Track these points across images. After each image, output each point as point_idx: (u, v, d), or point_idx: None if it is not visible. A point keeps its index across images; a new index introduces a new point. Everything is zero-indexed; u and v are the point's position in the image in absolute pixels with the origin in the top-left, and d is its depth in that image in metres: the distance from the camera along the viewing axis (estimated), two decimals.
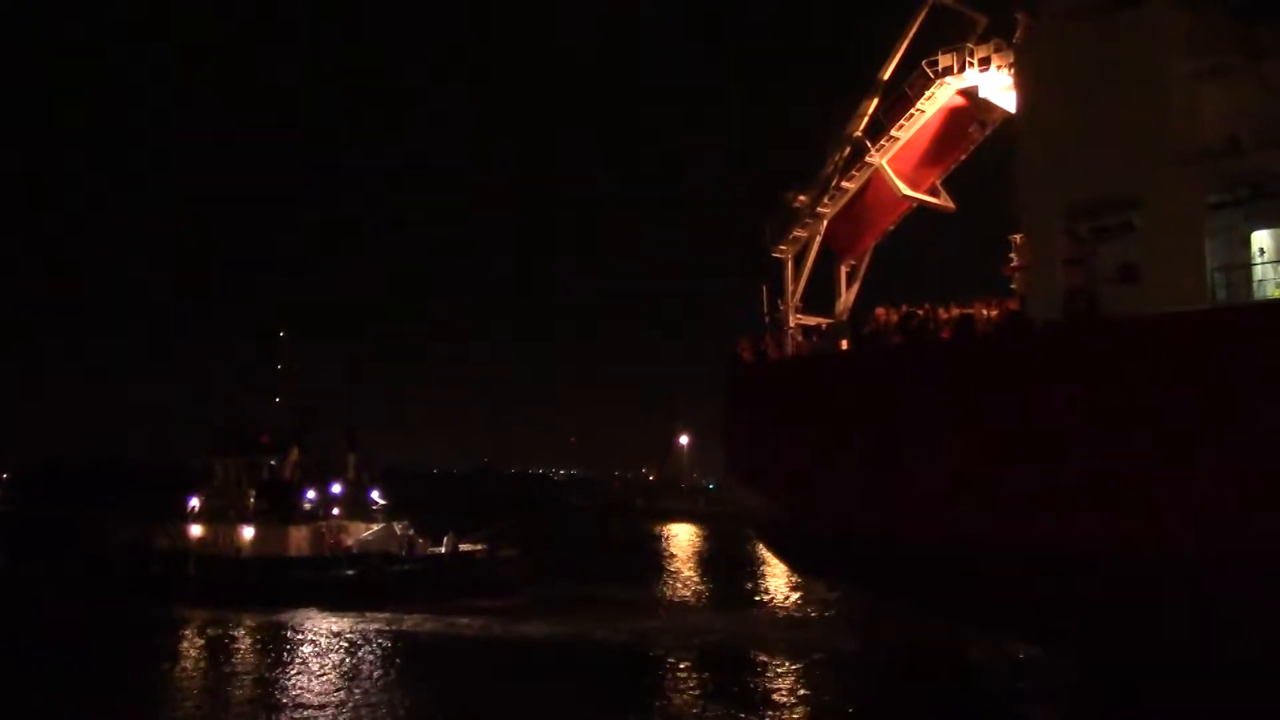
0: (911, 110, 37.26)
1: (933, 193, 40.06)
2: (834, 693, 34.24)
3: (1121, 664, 29.41)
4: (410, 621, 45.98)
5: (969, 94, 36.84)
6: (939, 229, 42.79)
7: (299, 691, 33.64)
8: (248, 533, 55.44)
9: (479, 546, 57.28)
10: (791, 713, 30.60)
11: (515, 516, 76.72)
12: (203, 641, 43.55)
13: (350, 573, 52.67)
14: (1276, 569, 24.09)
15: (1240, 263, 27.61)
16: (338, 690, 33.67)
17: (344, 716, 30.50)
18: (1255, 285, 27.26)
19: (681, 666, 36.96)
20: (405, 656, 39.31)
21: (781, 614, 51.41)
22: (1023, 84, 32.23)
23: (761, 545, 56.95)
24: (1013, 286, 33.97)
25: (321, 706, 31.52)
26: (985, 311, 32.85)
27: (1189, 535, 26.00)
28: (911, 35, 37.50)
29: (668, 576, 70.34)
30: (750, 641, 41.75)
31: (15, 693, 34.24)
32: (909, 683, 33.87)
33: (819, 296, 40.98)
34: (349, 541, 55.68)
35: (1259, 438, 25.00)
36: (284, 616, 47.52)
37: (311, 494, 57.53)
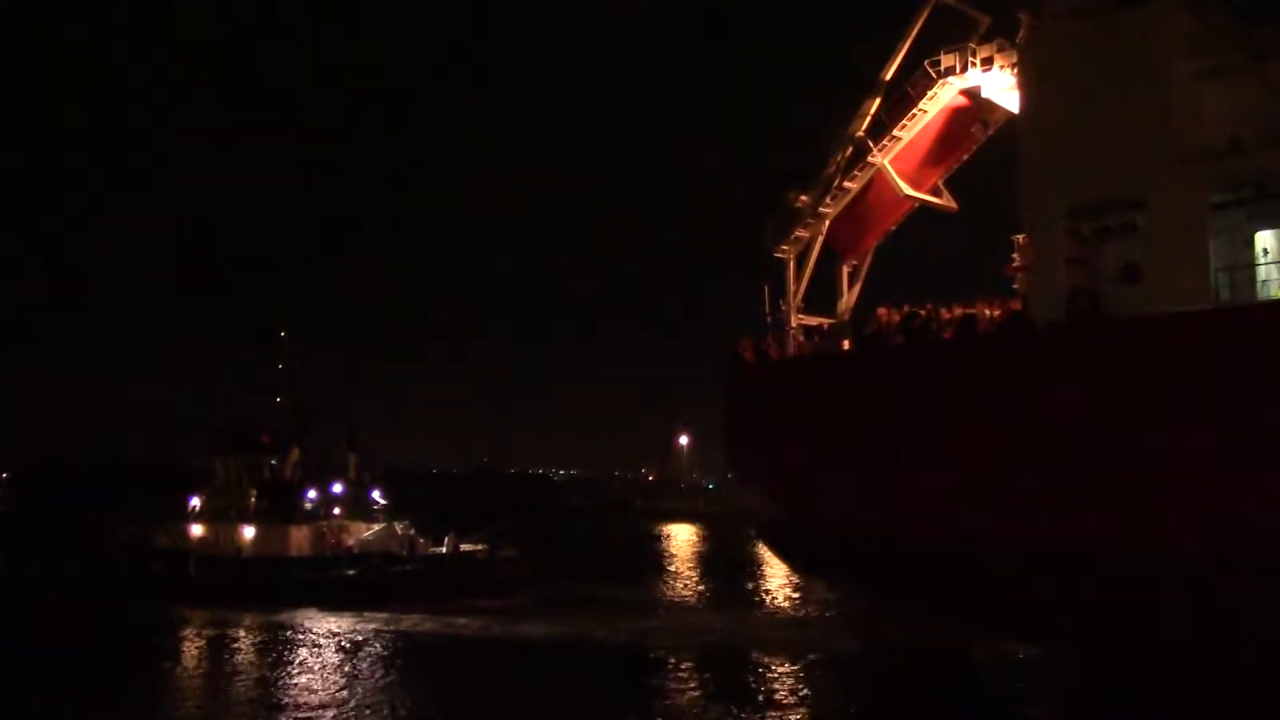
0: (914, 110, 37.22)
1: (935, 193, 40.01)
2: (834, 693, 34.27)
3: (1122, 664, 29.39)
4: (411, 621, 45.95)
5: (971, 94, 36.78)
6: (941, 229, 42.82)
7: (299, 691, 33.60)
8: (248, 532, 55.42)
9: (480, 546, 57.23)
10: (791, 713, 30.54)
11: (515, 517, 76.73)
12: (203, 641, 43.53)
13: (351, 573, 52.67)
14: (1278, 569, 24.07)
15: (1244, 263, 27.57)
16: (338, 690, 33.63)
17: (345, 716, 30.45)
18: (1259, 285, 27.23)
19: (682, 667, 36.91)
20: (406, 656, 39.27)
21: (781, 614, 51.39)
22: (1025, 84, 32.19)
23: (762, 545, 56.93)
24: (1015, 287, 33.92)
25: (322, 706, 31.48)
26: (987, 312, 32.82)
27: (1191, 535, 25.96)
28: (914, 35, 37.44)
29: (668, 576, 70.29)
30: (750, 641, 41.72)
31: (15, 693, 34.20)
32: (909, 683, 33.83)
33: (821, 296, 41.01)
34: (350, 541, 55.67)
35: (1262, 438, 24.95)
36: (285, 616, 47.50)
37: (312, 494, 57.52)
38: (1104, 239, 29.59)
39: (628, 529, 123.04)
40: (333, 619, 46.88)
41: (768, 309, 40.56)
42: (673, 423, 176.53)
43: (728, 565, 77.21)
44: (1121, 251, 28.90)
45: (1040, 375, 29.61)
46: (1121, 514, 27.25)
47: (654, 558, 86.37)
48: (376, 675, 36.08)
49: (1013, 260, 34.05)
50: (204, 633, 45.04)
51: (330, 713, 30.80)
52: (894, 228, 40.61)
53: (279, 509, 56.22)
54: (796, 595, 57.36)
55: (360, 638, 42.72)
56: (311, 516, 56.62)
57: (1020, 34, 33.19)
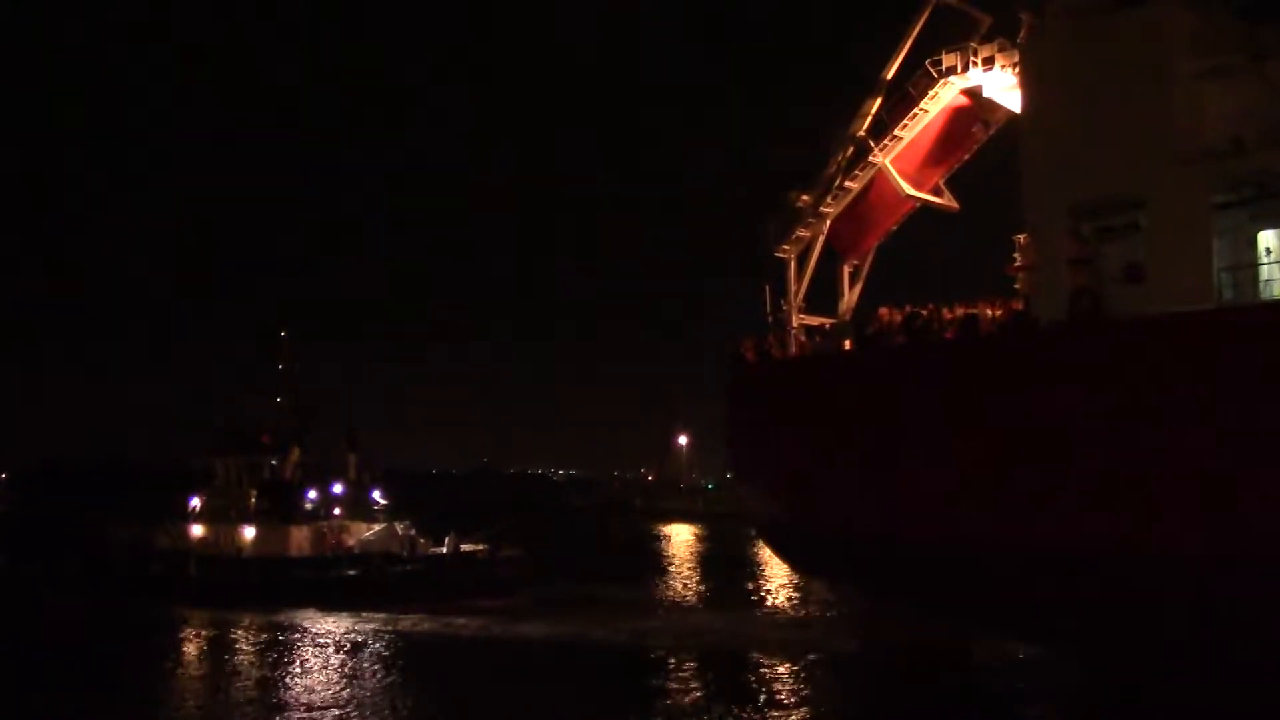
0: (915, 110, 37.19)
1: (936, 192, 39.97)
2: (834, 693, 34.24)
3: (1122, 664, 29.37)
4: (411, 621, 45.91)
5: (973, 93, 36.75)
6: (942, 229, 42.79)
7: (300, 692, 33.56)
8: (249, 533, 55.38)
9: (480, 547, 57.19)
10: (792, 713, 30.49)
11: (515, 517, 76.70)
12: (203, 641, 43.51)
13: (351, 573, 52.64)
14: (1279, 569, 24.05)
15: (1246, 263, 27.53)
16: (339, 690, 33.58)
17: (345, 717, 30.40)
18: (1261, 285, 27.17)
19: (682, 667, 36.88)
20: (406, 657, 39.22)
21: (782, 614, 51.34)
22: (1027, 83, 32.15)
23: (762, 545, 56.89)
24: (1016, 287, 33.88)
25: (323, 707, 31.43)
26: (989, 312, 32.77)
27: (1193, 536, 25.93)
28: (915, 35, 37.43)
29: (667, 577, 70.26)
30: (750, 642, 41.64)
31: (15, 693, 34.15)
32: (909, 683, 33.78)
33: (822, 296, 40.98)
34: (350, 541, 55.64)
35: (1264, 438, 24.91)
36: (285, 617, 47.47)
37: (313, 494, 57.51)
38: (1106, 239, 29.54)
39: (627, 529, 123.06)
40: (333, 619, 46.84)
41: (769, 309, 40.54)
42: (672, 422, 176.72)
43: (727, 565, 77.19)
44: (1124, 251, 28.85)
45: (1042, 375, 29.57)
46: (1123, 514, 27.22)
47: (654, 558, 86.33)
48: (377, 675, 36.04)
49: (1014, 260, 34.01)
50: (204, 633, 45.00)
51: (331, 713, 30.74)
52: (895, 227, 40.57)
53: (279, 509, 56.18)
54: (796, 595, 57.33)
55: (360, 638, 42.68)
56: (312, 517, 56.60)
57: (1021, 34, 33.14)
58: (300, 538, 55.17)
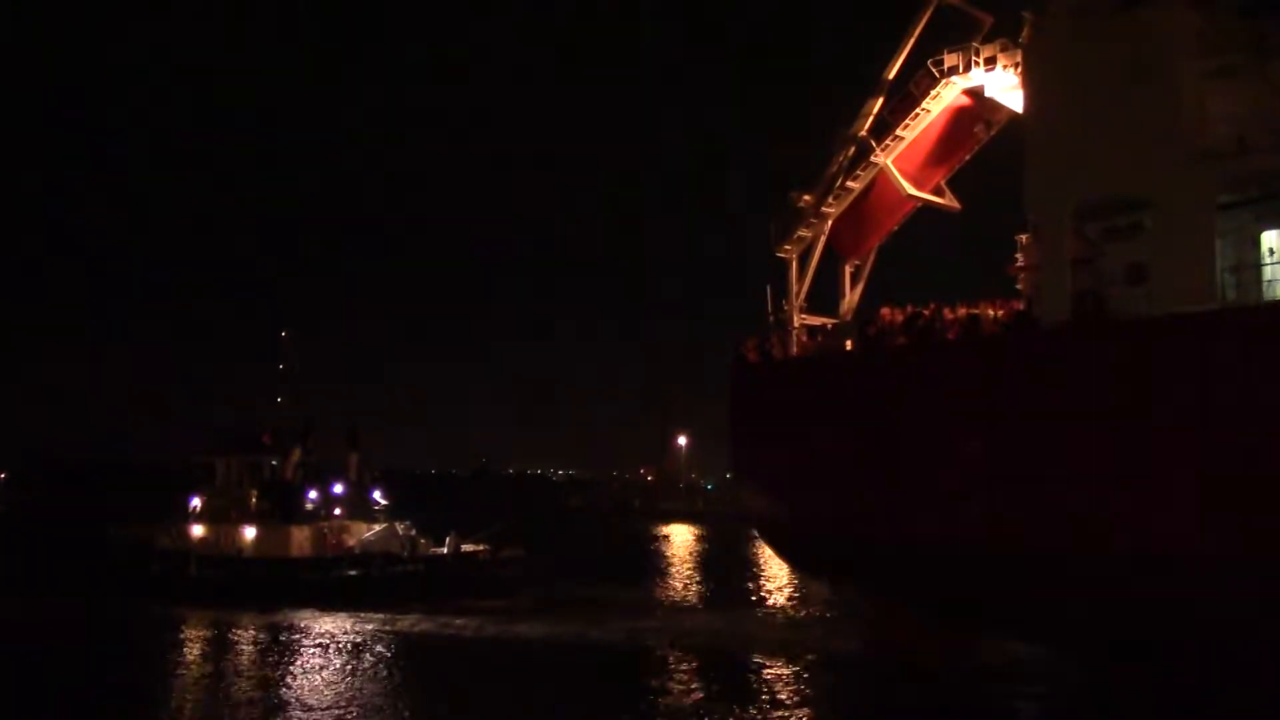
0: (917, 110, 37.19)
1: (938, 192, 39.97)
2: (834, 693, 34.22)
3: (1123, 665, 29.34)
4: (411, 622, 45.86)
5: (975, 93, 36.75)
6: (944, 229, 42.76)
7: (300, 692, 33.48)
8: (249, 533, 55.32)
9: (481, 547, 57.16)
10: (792, 713, 30.46)
11: (515, 517, 76.62)
12: (203, 641, 43.41)
13: (352, 573, 52.57)
14: None
15: (1250, 263, 27.50)
16: (339, 691, 33.51)
17: (345, 717, 30.34)
18: (1265, 285, 27.15)
19: (681, 667, 36.85)
20: (407, 657, 39.17)
21: (782, 614, 51.32)
22: (1029, 83, 32.13)
23: (763, 545, 56.85)
24: (1018, 287, 33.86)
25: (322, 707, 31.36)
26: (991, 312, 32.73)
27: (1197, 536, 25.91)
28: (917, 34, 37.42)
29: (667, 577, 70.23)
30: (751, 642, 41.60)
31: (16, 693, 34.08)
32: (910, 683, 33.71)
33: (823, 296, 40.98)
34: (351, 542, 55.58)
35: (1269, 438, 24.88)
36: (285, 617, 47.40)
37: (313, 494, 57.45)
38: (1109, 239, 29.50)
39: (626, 529, 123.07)
40: (333, 619, 46.78)
41: (771, 309, 40.52)
42: (670, 422, 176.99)
43: (727, 566, 77.19)
44: (1127, 252, 28.82)
45: (1045, 376, 29.54)
46: (1126, 514, 27.19)
47: (653, 558, 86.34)
48: (377, 676, 35.98)
49: (1015, 260, 33.99)
50: (204, 633, 44.90)
51: (331, 713, 30.67)
52: (896, 227, 40.57)
53: (280, 509, 56.12)
54: (796, 595, 57.33)
55: (361, 638, 42.61)
56: (312, 517, 56.55)
57: (1024, 33, 33.12)
58: (301, 538, 55.12)
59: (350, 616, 47.28)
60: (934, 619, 35.04)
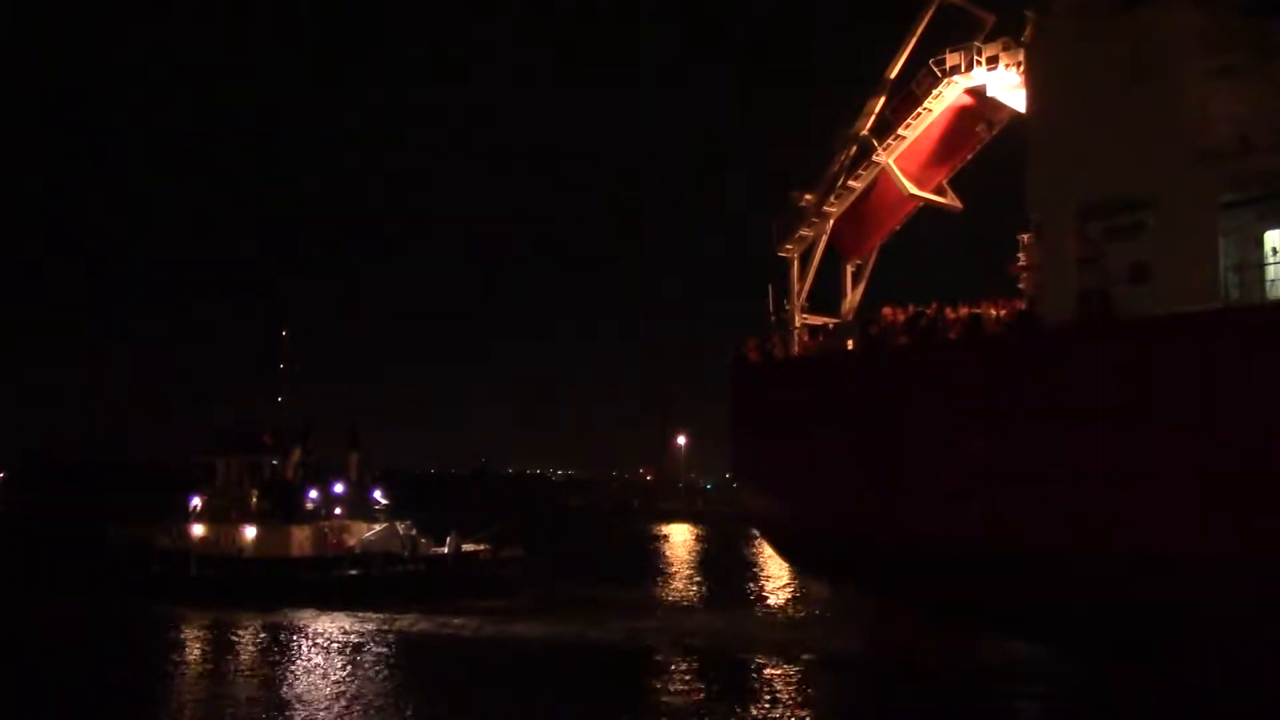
0: (919, 109, 37.11)
1: (939, 192, 39.91)
2: (834, 693, 34.20)
3: (1123, 665, 29.31)
4: (411, 622, 45.84)
5: (976, 93, 36.68)
6: (946, 228, 42.70)
7: (300, 692, 33.45)
8: (250, 533, 55.31)
9: (481, 547, 57.14)
10: (791, 713, 30.43)
11: (515, 517, 76.63)
12: (203, 641, 43.38)
13: (353, 573, 52.56)
14: None
15: (1253, 262, 27.43)
16: (339, 691, 33.48)
17: (345, 717, 30.30)
18: (1268, 285, 27.09)
19: (681, 667, 36.82)
20: (407, 657, 39.16)
21: (782, 614, 51.30)
22: (1032, 83, 32.08)
23: (763, 545, 56.82)
24: (1020, 286, 33.80)
25: (323, 707, 31.32)
26: (993, 312, 32.69)
27: (1200, 536, 25.87)
28: (919, 33, 37.37)
29: (666, 577, 70.22)
30: (751, 642, 41.59)
31: (16, 693, 34.03)
32: (910, 683, 33.68)
33: (825, 296, 40.91)
34: (351, 541, 55.57)
35: (1272, 437, 24.84)
36: (285, 617, 47.39)
37: (314, 494, 57.43)
38: (1112, 239, 29.45)
39: (626, 529, 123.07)
40: (334, 619, 46.75)
41: (772, 308, 40.46)
42: (670, 421, 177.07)
43: (727, 565, 77.18)
44: (1130, 251, 28.77)
45: (1048, 375, 29.50)
46: (1129, 514, 27.16)
47: (653, 558, 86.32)
48: (377, 676, 35.95)
49: (1017, 260, 33.94)
50: (204, 633, 44.88)
51: (331, 713, 30.63)
52: (898, 227, 40.49)
53: (280, 509, 56.11)
54: (797, 595, 57.31)
55: (361, 638, 42.58)
56: (313, 517, 56.57)
57: (1026, 33, 33.09)
58: (301, 538, 55.12)
59: (350, 616, 47.28)
60: (934, 619, 34.99)
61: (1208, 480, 25.97)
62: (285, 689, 33.96)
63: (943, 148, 38.46)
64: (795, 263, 40.66)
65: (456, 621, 45.67)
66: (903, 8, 38.29)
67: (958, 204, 40.53)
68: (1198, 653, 26.38)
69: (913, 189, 38.50)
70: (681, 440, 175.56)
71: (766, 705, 31.20)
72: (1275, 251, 27.54)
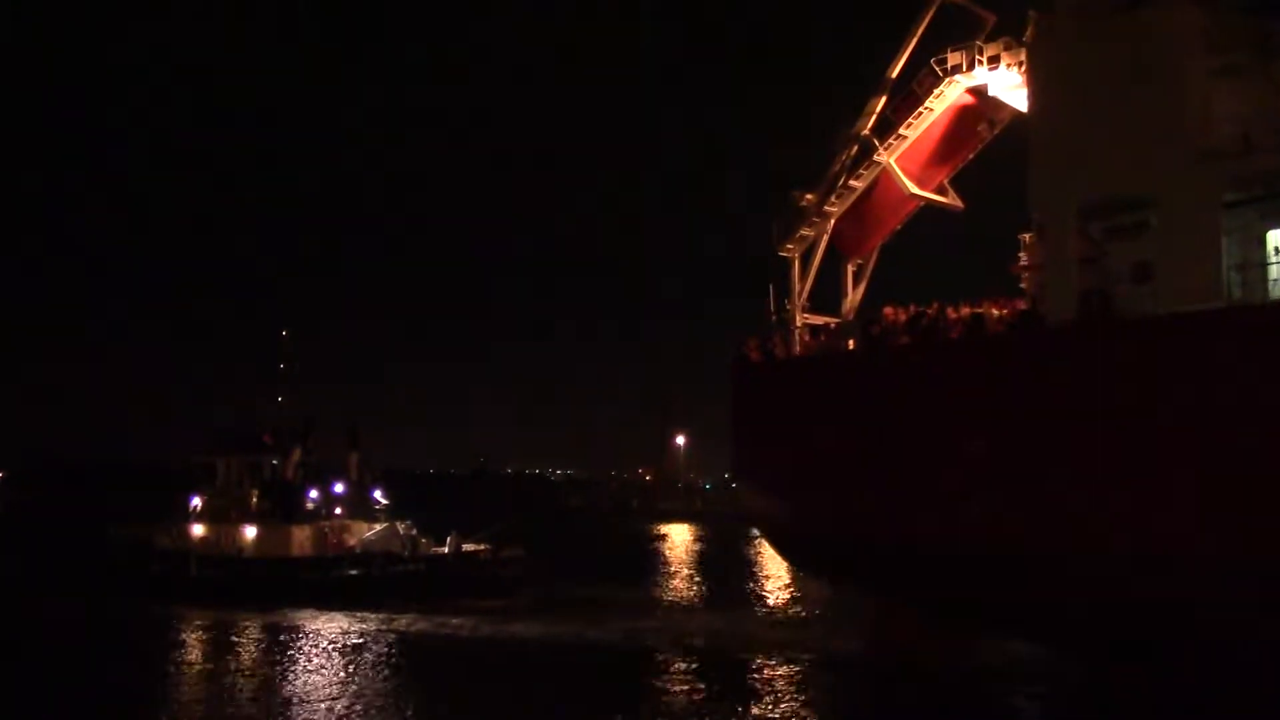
0: (920, 109, 37.07)
1: (941, 191, 39.87)
2: (834, 693, 34.14)
3: (1123, 665, 29.28)
4: (411, 622, 45.80)
5: (978, 92, 36.63)
6: (947, 228, 42.65)
7: (300, 692, 33.42)
8: (250, 533, 55.28)
9: (482, 547, 57.12)
10: (792, 713, 30.41)
11: (514, 517, 76.65)
12: (203, 641, 43.35)
13: (353, 573, 52.53)
14: None
15: (1256, 262, 27.39)
16: (339, 691, 33.44)
17: (345, 717, 30.27)
18: (1271, 284, 27.05)
19: (681, 667, 36.80)
20: (407, 657, 39.13)
21: (782, 614, 51.27)
22: (1034, 82, 32.03)
23: (763, 545, 56.81)
24: (1021, 286, 33.76)
25: (323, 707, 31.30)
26: (995, 311, 32.66)
27: (1201, 535, 25.85)
28: (920, 33, 37.34)
29: (666, 577, 70.21)
30: (751, 642, 41.54)
31: (16, 693, 33.99)
32: (909, 683, 33.66)
33: (826, 296, 40.89)
34: (352, 541, 55.54)
35: (1274, 437, 24.80)
36: (286, 617, 47.35)
37: (314, 494, 57.41)
38: (1114, 238, 29.43)
39: (626, 529, 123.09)
40: (335, 619, 46.71)
41: (773, 308, 40.43)
42: (670, 422, 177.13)
43: (727, 565, 77.17)
44: (1132, 251, 28.74)
45: (1050, 375, 29.47)
46: (1127, 514, 27.13)
47: (652, 558, 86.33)
48: (377, 676, 35.92)
49: (1019, 259, 33.90)
50: (204, 633, 44.86)
51: (331, 713, 30.61)
52: (899, 226, 40.45)
53: (280, 509, 56.09)
54: (797, 595, 57.27)
55: (361, 638, 42.55)
56: (313, 516, 56.56)
57: (1028, 32, 33.03)
58: (301, 538, 55.10)
59: (350, 616, 47.23)
60: (934, 619, 34.96)
61: (1209, 480, 25.94)
62: (285, 689, 33.93)
63: (944, 147, 38.41)
64: (796, 262, 40.64)
65: (456, 621, 45.65)
66: (903, 7, 38.34)
67: (959, 203, 40.50)
68: (1198, 653, 26.35)
69: (914, 188, 38.46)
70: (681, 440, 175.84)
71: (766, 705, 31.19)
72: (1278, 251, 27.51)
